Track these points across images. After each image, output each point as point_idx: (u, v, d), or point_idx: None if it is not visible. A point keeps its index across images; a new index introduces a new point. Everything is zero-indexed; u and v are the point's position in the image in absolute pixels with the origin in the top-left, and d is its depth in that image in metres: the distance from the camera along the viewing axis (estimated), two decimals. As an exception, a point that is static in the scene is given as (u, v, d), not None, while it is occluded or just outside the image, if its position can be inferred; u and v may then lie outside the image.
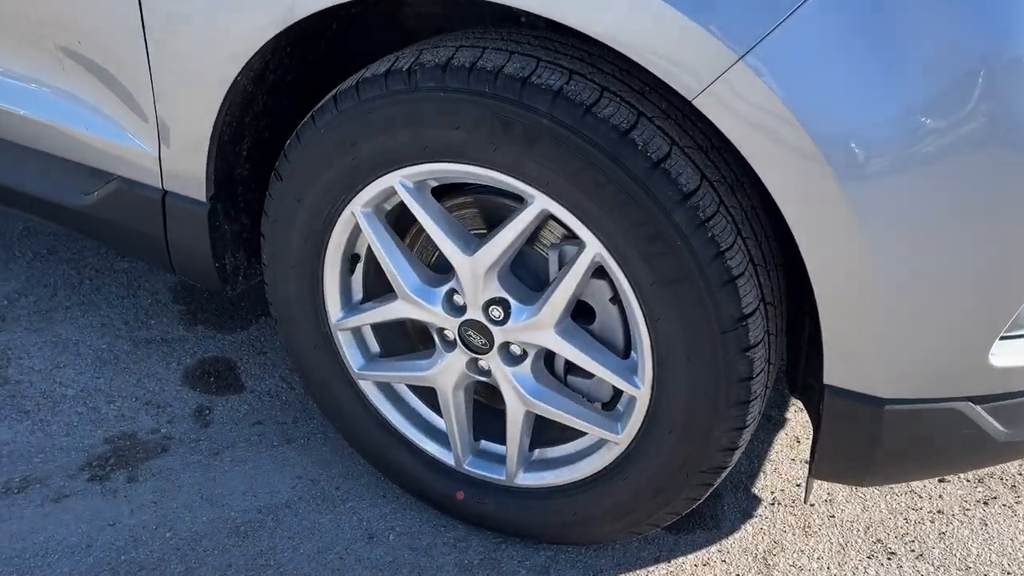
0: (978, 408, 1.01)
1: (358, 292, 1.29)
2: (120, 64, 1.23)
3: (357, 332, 1.31)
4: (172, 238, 1.36)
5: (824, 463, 1.08)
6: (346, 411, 1.36)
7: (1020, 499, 1.43)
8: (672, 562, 1.30)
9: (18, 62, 1.36)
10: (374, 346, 1.33)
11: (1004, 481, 1.46)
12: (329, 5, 1.04)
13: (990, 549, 1.34)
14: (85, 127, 1.34)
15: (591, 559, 1.30)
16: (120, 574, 1.28)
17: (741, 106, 0.90)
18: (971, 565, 1.31)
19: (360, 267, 1.27)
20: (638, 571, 1.29)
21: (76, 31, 1.25)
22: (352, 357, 1.31)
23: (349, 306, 1.28)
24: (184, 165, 1.26)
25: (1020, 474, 1.47)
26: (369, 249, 1.24)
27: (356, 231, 1.21)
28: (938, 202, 0.90)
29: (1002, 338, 0.97)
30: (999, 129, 0.86)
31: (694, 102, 0.91)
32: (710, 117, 0.92)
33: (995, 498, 1.43)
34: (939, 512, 1.40)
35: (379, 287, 1.28)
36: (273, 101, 1.26)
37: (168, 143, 1.25)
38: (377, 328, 1.31)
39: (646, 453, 1.14)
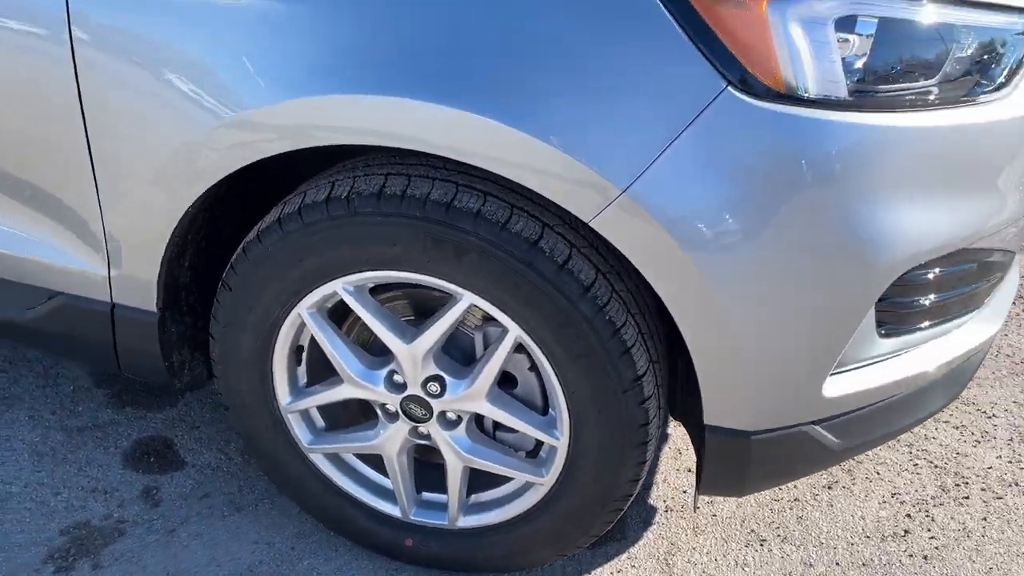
0: (819, 428, 1.31)
1: (303, 377, 1.47)
2: (70, 201, 1.36)
3: (304, 412, 1.49)
4: (121, 344, 1.49)
5: (708, 484, 1.36)
6: (297, 481, 1.53)
7: (855, 481, 1.77)
8: (593, 573, 1.55)
9: None
10: (319, 421, 1.51)
11: (842, 467, 1.80)
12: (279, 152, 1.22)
13: (836, 525, 1.67)
14: (30, 252, 1.45)
15: (525, 580, 1.54)
16: (108, 656, 1.41)
17: (625, 224, 1.15)
18: (824, 541, 1.63)
19: (304, 357, 1.45)
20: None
21: (28, 177, 1.36)
22: (301, 434, 1.48)
23: (297, 391, 1.46)
24: (134, 282, 1.40)
25: (855, 460, 1.81)
26: (312, 340, 1.42)
27: (301, 327, 1.39)
28: (771, 281, 1.18)
29: (831, 375, 1.27)
30: (797, 224, 1.15)
31: (590, 224, 1.16)
32: (601, 233, 1.17)
33: (836, 482, 1.76)
34: (795, 500, 1.72)
35: (322, 371, 1.46)
36: (211, 217, 1.41)
37: (119, 265, 1.39)
38: (322, 406, 1.49)
39: (568, 490, 1.38)
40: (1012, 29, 1.25)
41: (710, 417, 1.27)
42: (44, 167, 1.35)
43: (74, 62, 1.25)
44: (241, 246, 1.35)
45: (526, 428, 1.35)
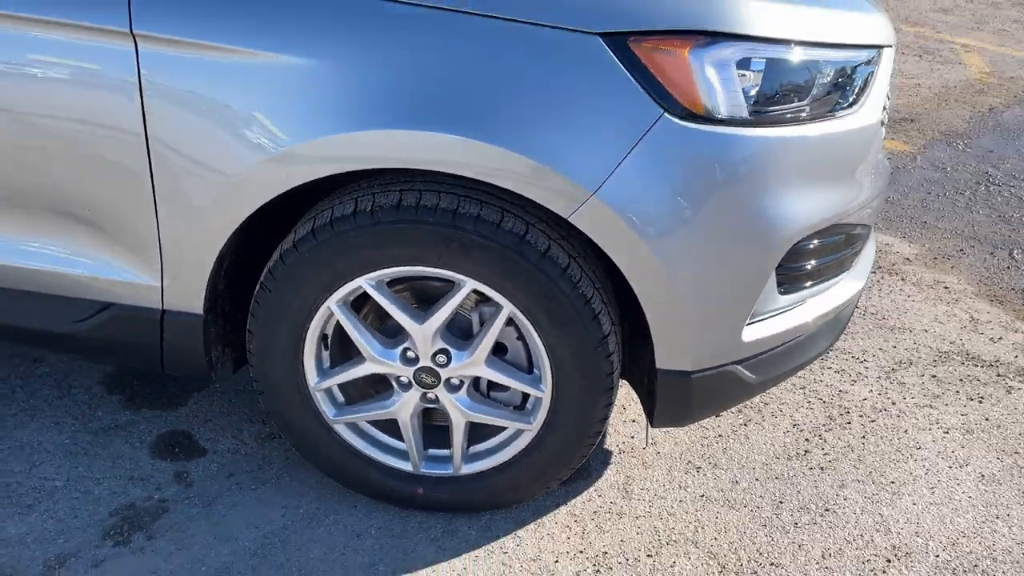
0: (740, 367, 1.72)
1: (326, 360, 1.78)
2: (132, 224, 1.63)
3: (328, 390, 1.80)
4: (168, 345, 1.76)
5: (660, 418, 1.75)
6: (323, 449, 1.84)
7: (764, 417, 2.20)
8: (569, 503, 1.92)
9: (35, 230, 1.69)
10: (340, 397, 1.82)
11: (752, 406, 2.23)
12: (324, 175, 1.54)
13: (753, 451, 2.09)
14: (84, 270, 1.71)
15: (515, 513, 1.89)
16: (182, 604, 1.69)
17: (594, 219, 1.53)
18: (744, 464, 2.05)
19: (328, 343, 1.76)
20: (550, 514, 1.89)
21: (88, 202, 1.63)
22: (327, 409, 1.80)
23: (322, 372, 1.77)
24: (185, 290, 1.69)
25: (762, 401, 2.25)
26: (336, 328, 1.74)
27: (329, 318, 1.70)
28: (701, 255, 1.58)
29: (747, 325, 1.69)
30: (717, 212, 1.55)
31: (569, 219, 1.53)
32: (577, 226, 1.54)
33: (751, 420, 2.19)
34: (720, 436, 2.14)
35: (341, 354, 1.78)
36: (245, 233, 1.71)
37: (173, 277, 1.67)
38: (342, 383, 1.81)
39: (552, 432, 1.74)
40: (857, 60, 1.69)
41: (661, 362, 1.66)
42: (109, 195, 1.62)
43: (143, 113, 1.53)
44: (278, 254, 1.65)
45: (517, 385, 1.71)
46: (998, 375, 2.43)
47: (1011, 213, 3.48)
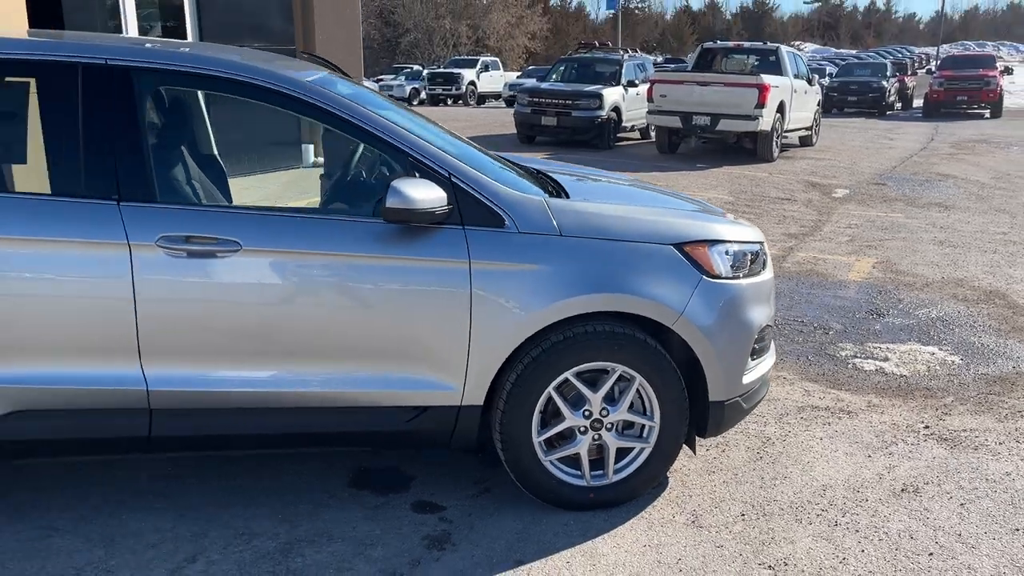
0: (740, 399, 3.44)
1: (539, 423, 3.28)
2: (451, 357, 3.10)
3: (540, 442, 3.28)
4: (458, 431, 3.18)
5: (710, 431, 3.40)
6: (538, 478, 3.28)
7: (787, 435, 3.90)
8: (648, 497, 3.48)
9: (384, 368, 3.09)
10: (545, 445, 3.30)
11: (771, 419, 3.93)
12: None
13: (801, 456, 3.78)
14: (414, 388, 3.13)
15: (639, 503, 3.41)
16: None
17: (682, 326, 3.24)
18: (777, 464, 3.72)
19: (542, 412, 3.27)
20: (654, 508, 3.43)
21: (423, 345, 3.09)
22: (540, 453, 3.27)
23: (539, 431, 3.26)
24: (476, 393, 3.15)
25: (739, 426, 3.95)
26: (548, 402, 3.25)
27: (548, 398, 3.23)
28: (730, 341, 3.34)
29: (743, 373, 3.43)
30: (733, 317, 3.34)
31: (672, 327, 3.23)
32: (675, 330, 3.25)
33: (771, 437, 3.89)
34: (727, 445, 3.81)
35: (550, 418, 3.29)
36: (494, 361, 3.22)
37: (470, 385, 3.13)
38: (547, 437, 3.29)
39: (659, 447, 3.32)
40: (758, 248, 3.60)
41: (712, 397, 3.34)
42: (441, 342, 3.09)
43: (470, 298, 3.06)
44: (523, 361, 3.17)
45: (643, 421, 3.31)
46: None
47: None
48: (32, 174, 3.01)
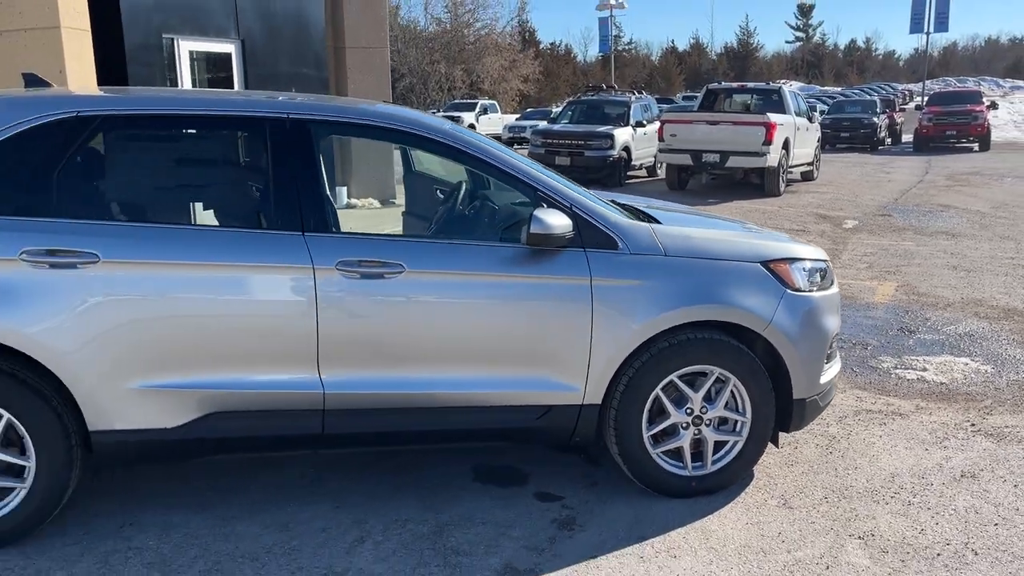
0: (817, 397, 3.94)
1: (647, 419, 3.76)
2: (574, 360, 3.58)
3: (650, 436, 3.76)
4: (579, 427, 3.67)
5: (792, 425, 3.89)
6: (647, 468, 3.75)
7: (850, 433, 4.39)
8: (736, 486, 3.95)
9: (515, 372, 3.57)
10: (653, 440, 3.78)
11: (832, 421, 4.41)
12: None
13: (866, 450, 4.26)
14: (541, 388, 3.61)
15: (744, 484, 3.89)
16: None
17: (771, 332, 3.76)
18: (846, 457, 4.21)
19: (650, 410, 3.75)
20: (747, 494, 3.91)
21: (551, 351, 3.57)
22: (649, 446, 3.75)
23: (648, 427, 3.74)
24: (596, 391, 3.63)
25: (853, 411, 4.44)
26: (654, 401, 3.74)
27: (655, 398, 3.71)
28: (810, 342, 3.85)
29: (821, 374, 3.93)
30: (810, 322, 3.85)
31: (763, 333, 3.73)
32: (765, 336, 3.75)
33: (835, 435, 4.37)
34: (797, 444, 4.29)
35: (656, 415, 3.78)
36: (608, 366, 3.72)
37: (591, 384, 3.62)
38: (654, 433, 3.77)
39: (751, 438, 3.81)
40: (825, 266, 4.13)
41: (796, 395, 3.84)
42: (567, 346, 3.58)
43: (592, 310, 3.56)
44: (634, 365, 3.66)
45: (736, 416, 3.80)
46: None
47: (841, 354, 6.11)
48: (228, 210, 3.52)
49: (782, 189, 15.22)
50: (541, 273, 3.55)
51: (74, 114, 3.29)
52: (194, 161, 3.81)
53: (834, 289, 4.10)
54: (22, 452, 3.27)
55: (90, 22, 8.42)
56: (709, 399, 3.79)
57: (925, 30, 37.88)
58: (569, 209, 3.61)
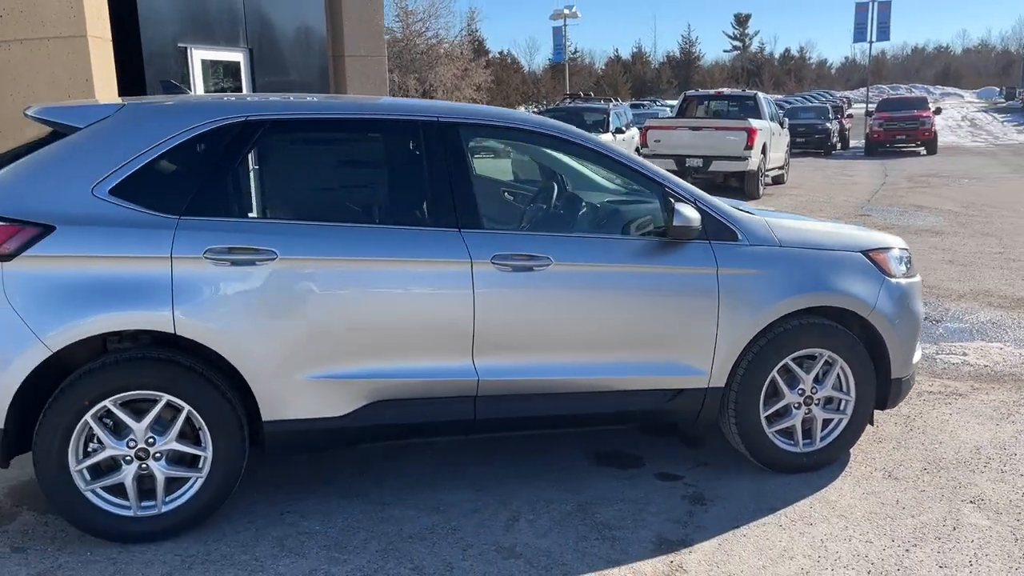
0: (909, 377, 4.25)
1: (763, 401, 4.03)
2: (702, 346, 3.83)
3: (764, 417, 4.02)
4: (704, 408, 3.91)
5: (890, 404, 4.19)
6: (764, 442, 4.02)
7: (921, 413, 4.70)
8: (848, 464, 4.24)
9: (647, 358, 3.80)
10: (764, 413, 4.05)
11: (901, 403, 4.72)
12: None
13: (943, 426, 4.57)
14: (670, 373, 3.84)
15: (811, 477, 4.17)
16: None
17: (874, 316, 4.05)
18: (927, 433, 4.52)
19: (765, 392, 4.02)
20: (851, 468, 4.19)
21: (682, 336, 3.81)
22: (763, 423, 4.01)
23: (763, 406, 4.01)
24: (721, 374, 3.88)
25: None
26: (770, 383, 4.00)
27: (773, 380, 3.98)
28: (905, 323, 4.16)
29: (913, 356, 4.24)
30: (902, 303, 4.16)
31: (867, 317, 4.02)
32: (870, 320, 4.04)
33: (909, 415, 4.68)
34: (906, 416, 4.60)
35: (770, 397, 4.04)
36: (727, 351, 3.97)
37: (716, 368, 3.86)
38: (770, 410, 4.03)
39: (853, 419, 4.10)
40: (907, 255, 4.45)
41: (894, 374, 4.14)
42: (695, 331, 3.81)
43: (719, 297, 3.81)
44: (753, 350, 3.92)
45: (842, 396, 4.08)
46: (945, 397, 5.18)
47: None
48: (387, 208, 3.69)
49: (761, 191, 15.73)
50: (674, 264, 3.78)
51: (243, 119, 3.43)
52: (354, 163, 3.97)
53: (918, 277, 4.42)
54: (196, 442, 3.38)
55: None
56: (818, 380, 4.06)
57: (868, 39, 39.19)
58: (693, 203, 3.85)
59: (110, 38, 8.47)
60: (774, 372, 3.96)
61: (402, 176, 3.71)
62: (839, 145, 31.31)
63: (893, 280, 4.13)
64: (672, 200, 3.81)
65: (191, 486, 3.39)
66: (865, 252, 4.11)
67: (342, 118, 3.68)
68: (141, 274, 3.21)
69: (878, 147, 28.26)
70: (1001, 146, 32.82)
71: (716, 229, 3.86)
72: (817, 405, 4.07)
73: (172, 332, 3.24)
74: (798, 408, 4.04)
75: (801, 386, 4.03)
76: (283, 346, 3.37)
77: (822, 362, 4.03)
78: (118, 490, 3.33)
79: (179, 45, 9.64)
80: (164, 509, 3.36)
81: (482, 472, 4.08)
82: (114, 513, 3.32)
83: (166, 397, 3.29)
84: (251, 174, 3.52)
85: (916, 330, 4.22)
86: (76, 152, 3.28)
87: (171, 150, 3.34)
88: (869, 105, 36.34)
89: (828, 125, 29.12)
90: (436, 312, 3.53)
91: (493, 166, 6.49)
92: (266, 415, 3.41)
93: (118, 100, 3.48)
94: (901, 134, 28.16)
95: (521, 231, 3.77)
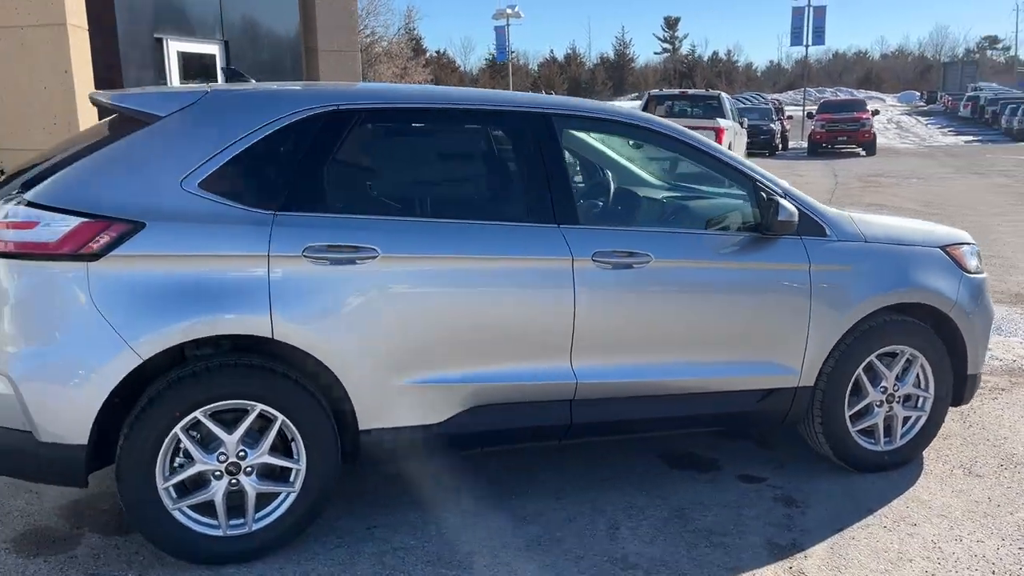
0: (981, 372, 4.23)
1: (848, 398, 3.95)
2: (794, 346, 3.72)
3: (849, 416, 3.94)
4: (793, 409, 3.80)
5: (965, 398, 4.16)
6: (845, 445, 3.94)
7: (972, 409, 4.69)
8: (926, 467, 4.20)
9: (740, 358, 3.68)
10: (849, 418, 3.97)
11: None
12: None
13: (1000, 421, 4.55)
14: (760, 373, 3.73)
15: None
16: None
17: (955, 311, 4.02)
18: (988, 429, 4.50)
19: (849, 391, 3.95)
20: (930, 467, 4.15)
21: (774, 335, 3.70)
22: (848, 423, 3.94)
23: (848, 405, 3.93)
24: (810, 374, 3.78)
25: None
26: (855, 382, 3.93)
27: (856, 379, 3.91)
28: (978, 319, 4.12)
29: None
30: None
31: (949, 314, 3.98)
32: (950, 315, 4.00)
33: (961, 411, 4.67)
34: (960, 412, 4.57)
35: (851, 396, 3.97)
36: (812, 349, 3.88)
37: (805, 368, 3.76)
38: (852, 413, 3.96)
39: (932, 416, 4.06)
40: (976, 249, 4.45)
41: (970, 370, 4.11)
42: (788, 331, 3.71)
43: (811, 294, 3.71)
44: (839, 347, 3.83)
45: (922, 393, 4.04)
46: None
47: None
48: (485, 204, 3.49)
49: (726, 191, 15.86)
50: (769, 260, 3.68)
51: (334, 107, 3.20)
52: (449, 155, 3.75)
53: (985, 272, 4.40)
54: (287, 454, 3.14)
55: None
56: (899, 377, 4.01)
57: (804, 43, 40.08)
58: (784, 198, 3.75)
59: (87, 27, 8.02)
60: (859, 370, 3.89)
61: (500, 169, 3.52)
62: (780, 146, 31.94)
63: (970, 275, 4.10)
64: (766, 195, 3.71)
65: (283, 501, 3.14)
66: (943, 247, 4.07)
67: (437, 108, 3.46)
68: (238, 274, 2.96)
69: (819, 148, 28.89)
70: (933, 148, 33.97)
71: (806, 224, 3.77)
72: (898, 403, 4.01)
73: (270, 336, 2.99)
74: (880, 406, 3.98)
75: (884, 384, 3.96)
76: (383, 350, 3.14)
77: (904, 359, 3.97)
78: (204, 508, 3.07)
79: (155, 36, 9.21)
80: (255, 527, 3.11)
81: (558, 479, 3.91)
82: (202, 533, 3.05)
83: (259, 407, 3.04)
84: (344, 166, 3.28)
85: (989, 325, 4.20)
86: (160, 143, 3.00)
87: (260, 141, 3.09)
88: (808, 107, 37.18)
89: (772, 126, 29.65)
90: (537, 313, 3.35)
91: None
92: (363, 423, 3.18)
93: (202, 87, 3.20)
94: (843, 135, 28.87)
95: (617, 227, 3.61)
